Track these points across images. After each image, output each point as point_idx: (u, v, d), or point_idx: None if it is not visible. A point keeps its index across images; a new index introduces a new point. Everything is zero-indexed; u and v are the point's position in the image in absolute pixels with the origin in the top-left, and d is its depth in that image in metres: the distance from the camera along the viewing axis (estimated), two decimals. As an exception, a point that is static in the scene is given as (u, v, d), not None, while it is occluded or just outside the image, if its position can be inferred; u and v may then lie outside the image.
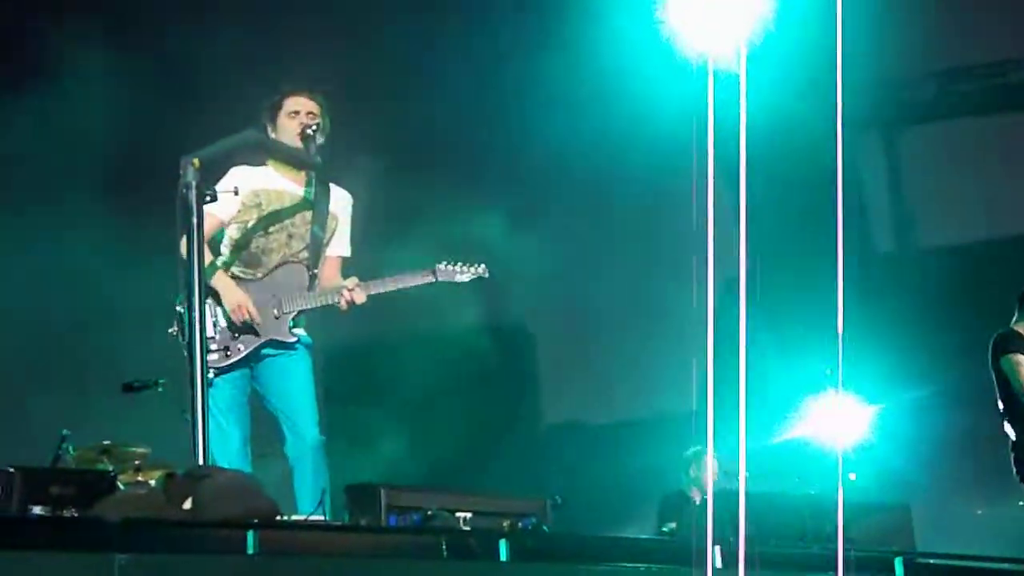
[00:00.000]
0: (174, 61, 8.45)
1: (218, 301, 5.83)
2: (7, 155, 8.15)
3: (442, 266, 6.03)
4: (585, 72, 8.81)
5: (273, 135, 5.96)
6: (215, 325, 5.81)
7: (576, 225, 9.71)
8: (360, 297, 5.88)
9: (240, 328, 5.80)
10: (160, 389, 6.39)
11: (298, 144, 5.90)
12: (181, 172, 5.15)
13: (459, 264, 6.05)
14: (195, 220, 5.09)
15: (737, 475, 7.45)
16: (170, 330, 5.76)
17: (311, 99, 5.98)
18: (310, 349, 6.06)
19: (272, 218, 5.95)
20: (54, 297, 8.19)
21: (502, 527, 5.20)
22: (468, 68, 9.20)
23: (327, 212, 6.03)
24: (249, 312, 5.77)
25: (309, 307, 5.93)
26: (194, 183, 5.10)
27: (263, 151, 5.82)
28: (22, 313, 7.95)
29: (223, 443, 5.79)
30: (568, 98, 8.99)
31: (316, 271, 5.98)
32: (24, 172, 8.34)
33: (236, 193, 5.68)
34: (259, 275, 5.93)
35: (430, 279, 6.01)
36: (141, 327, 6.79)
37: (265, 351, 5.91)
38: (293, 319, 5.90)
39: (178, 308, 5.67)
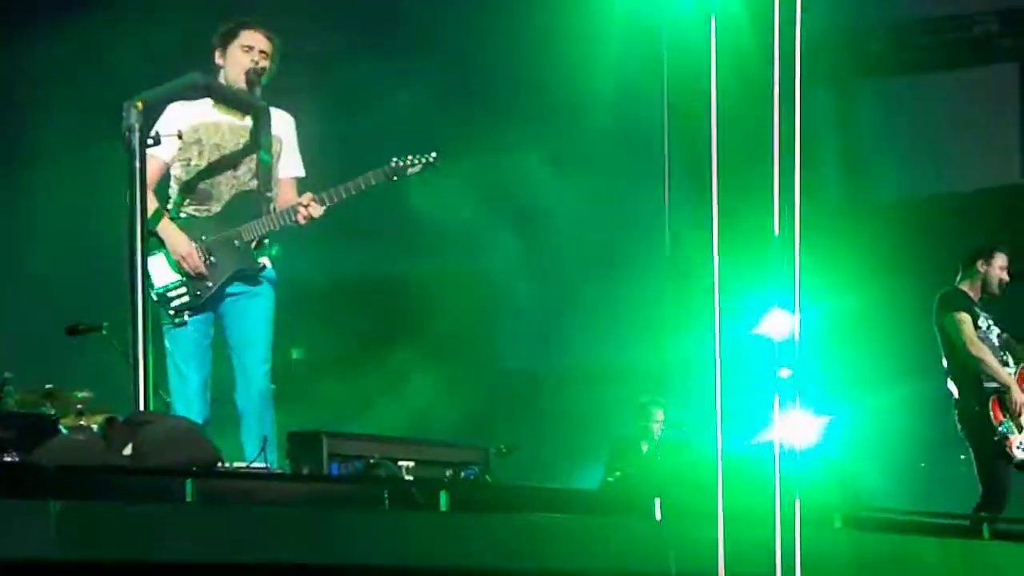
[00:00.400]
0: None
1: None
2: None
3: (394, 162, 6.01)
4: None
5: (220, 62, 5.90)
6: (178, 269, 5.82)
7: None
8: (317, 210, 5.85)
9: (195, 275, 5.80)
10: (104, 332, 6.36)
11: (242, 81, 5.85)
12: (124, 115, 5.08)
13: (410, 157, 6.04)
14: (138, 164, 5.03)
15: (683, 426, 7.46)
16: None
17: (266, 38, 5.92)
18: (274, 285, 6.02)
19: (215, 151, 5.91)
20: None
21: (444, 477, 5.21)
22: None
23: (270, 136, 5.96)
24: (194, 262, 5.76)
25: (267, 230, 5.89)
26: (137, 126, 5.03)
27: (208, 94, 5.75)
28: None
29: (182, 387, 5.85)
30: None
31: (270, 195, 5.92)
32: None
33: (180, 137, 5.65)
34: (214, 210, 5.90)
35: (382, 178, 5.99)
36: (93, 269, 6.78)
37: (230, 289, 5.88)
38: (256, 248, 5.87)
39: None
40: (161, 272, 5.80)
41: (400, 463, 5.14)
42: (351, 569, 4.40)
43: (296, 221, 5.85)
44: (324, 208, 5.86)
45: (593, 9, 8.43)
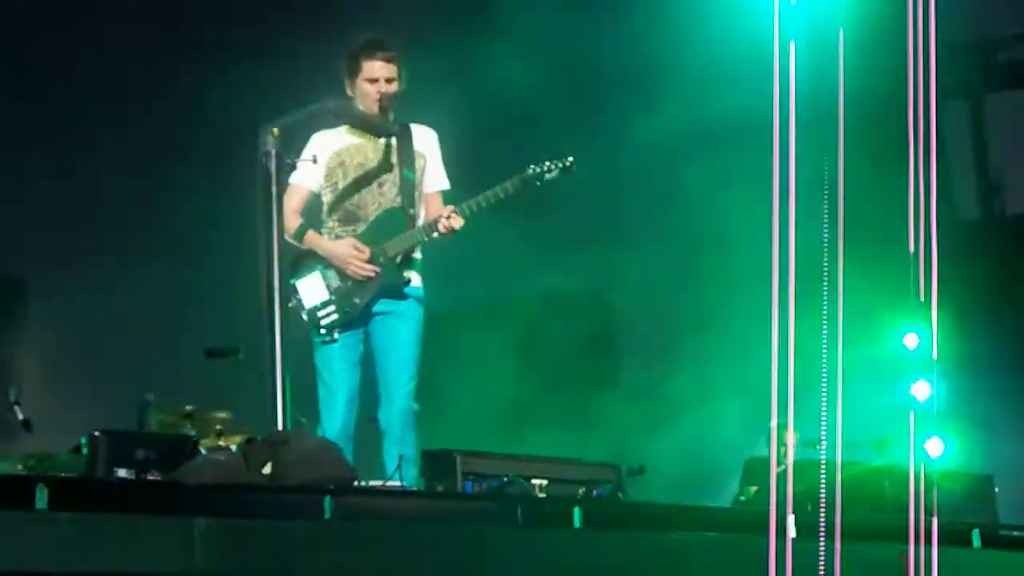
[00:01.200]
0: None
1: (324, 264, 6.06)
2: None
3: (532, 169, 6.16)
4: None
5: (350, 93, 6.09)
6: (328, 288, 6.05)
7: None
8: (457, 222, 6.01)
9: (352, 284, 6.02)
10: (240, 357, 6.55)
11: (375, 109, 6.04)
12: (260, 141, 5.27)
13: (547, 162, 6.16)
14: (274, 188, 5.20)
15: (818, 445, 7.44)
16: (289, 304, 5.93)
17: (387, 63, 6.08)
18: (421, 303, 6.21)
19: (358, 170, 6.11)
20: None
21: (577, 494, 5.26)
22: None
23: (412, 153, 6.15)
24: (358, 261, 6.00)
25: (410, 245, 6.08)
26: (273, 152, 5.22)
27: (340, 118, 5.94)
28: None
29: (329, 402, 6.10)
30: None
31: (413, 211, 6.13)
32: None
33: (315, 162, 5.86)
34: (359, 229, 6.11)
35: (519, 185, 6.14)
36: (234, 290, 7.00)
37: (377, 307, 6.08)
38: (401, 263, 6.07)
39: (292, 281, 5.97)
40: (313, 292, 6.05)
41: (533, 481, 5.22)
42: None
43: (438, 234, 6.01)
44: (464, 220, 6.01)
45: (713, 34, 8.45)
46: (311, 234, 6.09)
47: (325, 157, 6.03)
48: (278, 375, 5.20)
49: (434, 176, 6.25)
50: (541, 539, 4.79)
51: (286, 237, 5.75)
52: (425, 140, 6.26)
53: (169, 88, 8.28)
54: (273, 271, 5.22)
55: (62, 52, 8.20)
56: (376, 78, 6.04)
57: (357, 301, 6.03)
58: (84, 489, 4.68)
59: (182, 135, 8.27)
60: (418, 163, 6.16)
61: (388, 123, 6.04)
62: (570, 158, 6.17)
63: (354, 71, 6.09)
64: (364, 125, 6.06)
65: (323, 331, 6.06)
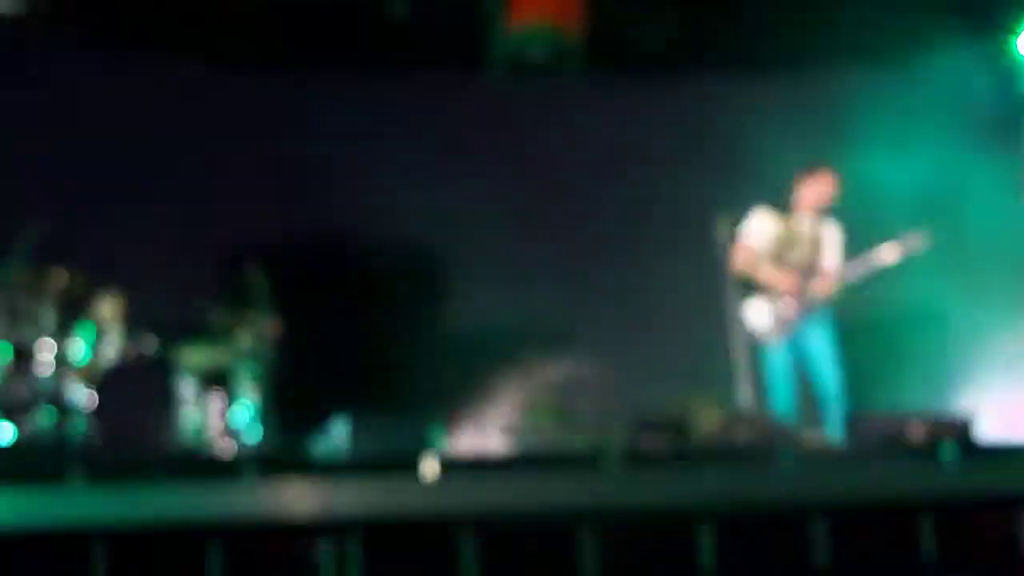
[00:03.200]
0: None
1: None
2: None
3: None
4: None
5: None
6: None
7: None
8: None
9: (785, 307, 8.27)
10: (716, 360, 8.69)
11: (812, 208, 8.39)
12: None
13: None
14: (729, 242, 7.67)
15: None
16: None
17: (832, 180, 8.41)
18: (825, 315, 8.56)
19: (785, 246, 8.44)
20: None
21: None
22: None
23: (820, 239, 8.53)
24: (792, 287, 8.37)
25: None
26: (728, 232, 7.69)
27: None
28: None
29: (776, 395, 8.29)
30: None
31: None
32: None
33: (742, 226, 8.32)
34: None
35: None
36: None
37: (807, 322, 8.35)
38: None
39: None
40: (761, 320, 8.36)
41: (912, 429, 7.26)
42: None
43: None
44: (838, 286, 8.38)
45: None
46: (767, 269, 8.24)
47: (771, 230, 8.30)
48: (742, 374, 7.58)
49: (830, 259, 8.58)
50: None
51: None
52: (829, 234, 8.61)
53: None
54: (732, 303, 7.66)
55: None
56: (822, 190, 8.54)
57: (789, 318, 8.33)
58: (636, 452, 6.51)
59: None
60: (823, 248, 8.69)
61: (815, 226, 8.63)
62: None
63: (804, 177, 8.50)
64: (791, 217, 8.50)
65: (768, 338, 8.28)
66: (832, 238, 8.55)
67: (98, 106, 8.94)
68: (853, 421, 7.46)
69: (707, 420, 8.31)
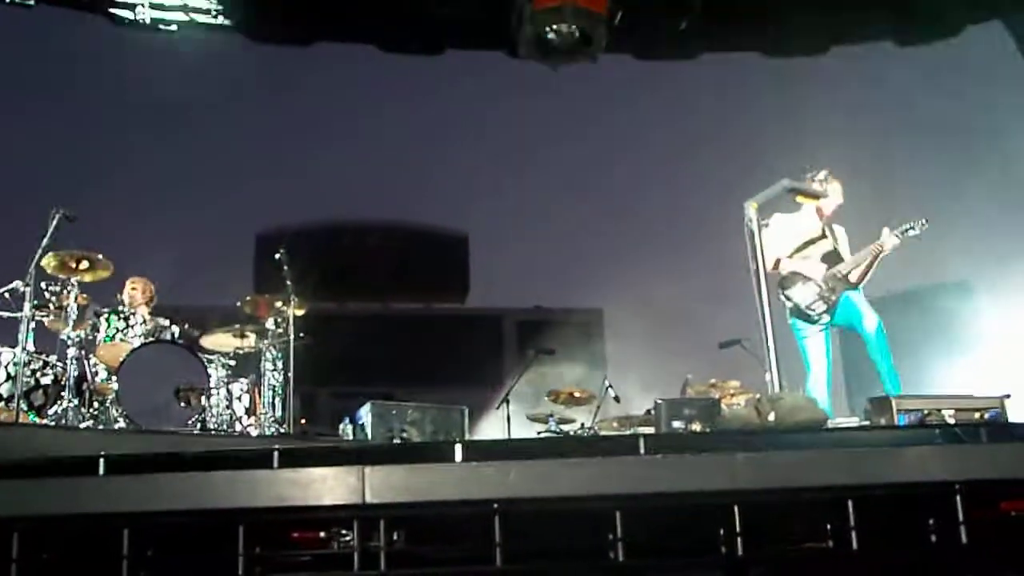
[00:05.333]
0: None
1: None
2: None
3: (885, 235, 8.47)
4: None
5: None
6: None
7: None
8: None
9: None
10: (744, 346, 9.10)
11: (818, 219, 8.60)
12: (745, 210, 7.80)
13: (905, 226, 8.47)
14: (757, 242, 7.61)
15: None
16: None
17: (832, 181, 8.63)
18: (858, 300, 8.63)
19: (804, 247, 8.69)
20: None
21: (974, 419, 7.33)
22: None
23: (834, 241, 8.74)
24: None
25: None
26: (754, 219, 7.71)
27: (794, 193, 8.45)
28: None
29: (811, 373, 8.55)
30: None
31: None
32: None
33: (767, 226, 8.44)
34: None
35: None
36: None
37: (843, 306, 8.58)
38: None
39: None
40: (804, 295, 8.62)
41: (943, 412, 7.32)
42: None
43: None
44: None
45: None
46: (796, 261, 8.66)
47: (792, 232, 8.69)
48: (772, 357, 7.42)
49: (844, 255, 8.84)
50: (952, 453, 5.99)
51: None
52: (840, 234, 8.83)
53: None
54: (761, 293, 7.60)
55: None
56: (820, 208, 8.84)
57: (828, 302, 8.54)
58: (663, 438, 7.04)
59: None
60: (838, 248, 8.86)
61: (825, 227, 8.81)
62: (922, 219, 8.34)
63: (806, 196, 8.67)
64: (808, 193, 8.59)
65: (809, 321, 8.49)
66: (842, 232, 8.94)
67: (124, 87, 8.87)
68: (885, 404, 7.37)
69: (739, 404, 9.20)
